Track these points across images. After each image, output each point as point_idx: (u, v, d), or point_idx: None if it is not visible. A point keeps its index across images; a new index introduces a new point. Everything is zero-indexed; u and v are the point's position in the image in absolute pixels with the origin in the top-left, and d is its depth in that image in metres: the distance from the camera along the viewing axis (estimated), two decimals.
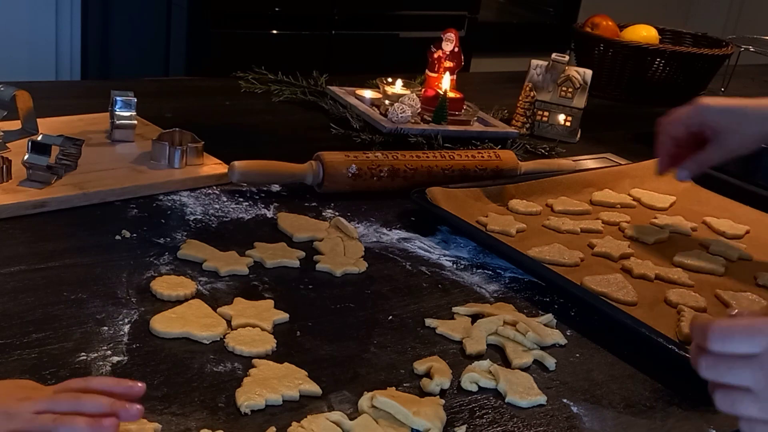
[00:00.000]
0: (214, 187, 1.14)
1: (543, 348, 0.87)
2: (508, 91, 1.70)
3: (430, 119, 1.44)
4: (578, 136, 1.58)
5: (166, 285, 0.87)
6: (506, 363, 0.84)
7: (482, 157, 1.28)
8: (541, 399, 0.78)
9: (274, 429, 0.68)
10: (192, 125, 1.22)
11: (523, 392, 0.78)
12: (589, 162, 1.46)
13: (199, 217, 1.06)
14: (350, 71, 1.76)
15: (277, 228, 1.05)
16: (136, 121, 1.22)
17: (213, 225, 1.04)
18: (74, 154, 1.09)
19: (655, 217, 1.24)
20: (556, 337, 0.89)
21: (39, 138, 1.08)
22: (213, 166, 1.16)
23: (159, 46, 2.53)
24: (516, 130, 1.51)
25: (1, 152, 1.09)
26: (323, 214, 1.11)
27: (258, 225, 1.06)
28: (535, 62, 1.58)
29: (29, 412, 0.62)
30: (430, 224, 1.12)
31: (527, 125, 1.56)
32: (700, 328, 0.64)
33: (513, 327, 0.89)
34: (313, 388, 0.74)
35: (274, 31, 2.55)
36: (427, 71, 1.53)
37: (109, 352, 0.76)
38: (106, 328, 0.79)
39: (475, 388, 0.79)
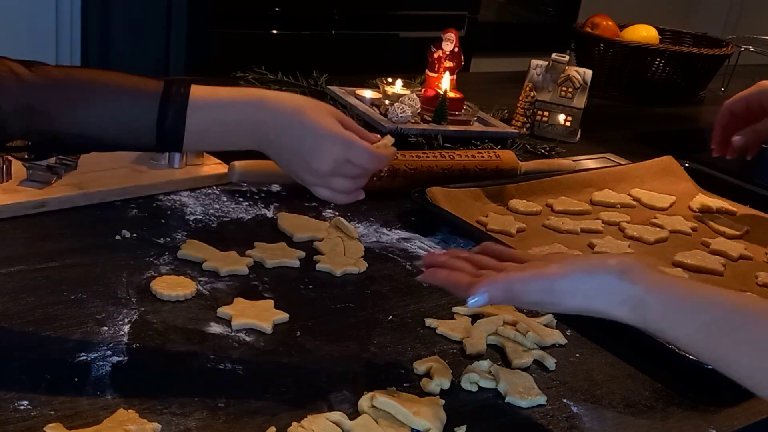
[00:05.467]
0: (214, 187, 1.14)
1: (543, 348, 0.87)
2: (508, 91, 1.69)
3: (430, 119, 1.44)
4: (578, 136, 1.58)
5: (166, 285, 0.87)
6: (506, 363, 0.84)
7: (482, 157, 1.28)
8: (541, 399, 0.78)
9: (274, 429, 0.68)
10: None
11: (523, 392, 0.78)
12: (589, 162, 1.46)
13: (199, 217, 1.06)
14: (350, 71, 1.76)
15: (277, 228, 1.05)
16: None
17: (213, 225, 1.04)
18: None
19: (655, 217, 1.24)
20: (556, 337, 0.89)
21: None
22: (213, 166, 1.16)
23: (159, 46, 2.53)
24: (516, 130, 1.51)
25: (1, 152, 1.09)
26: (323, 214, 1.11)
27: (258, 225, 1.06)
28: (535, 62, 1.58)
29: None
30: (430, 224, 1.12)
31: (527, 125, 1.56)
32: None
33: (513, 327, 0.89)
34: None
35: (274, 31, 2.55)
36: (427, 71, 1.53)
37: (109, 352, 0.76)
38: (106, 328, 0.79)
39: (475, 388, 0.79)
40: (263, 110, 0.80)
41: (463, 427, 0.73)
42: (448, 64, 1.51)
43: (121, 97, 0.77)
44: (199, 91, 0.79)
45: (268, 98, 0.81)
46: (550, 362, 0.84)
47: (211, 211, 1.08)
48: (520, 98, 1.56)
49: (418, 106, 1.44)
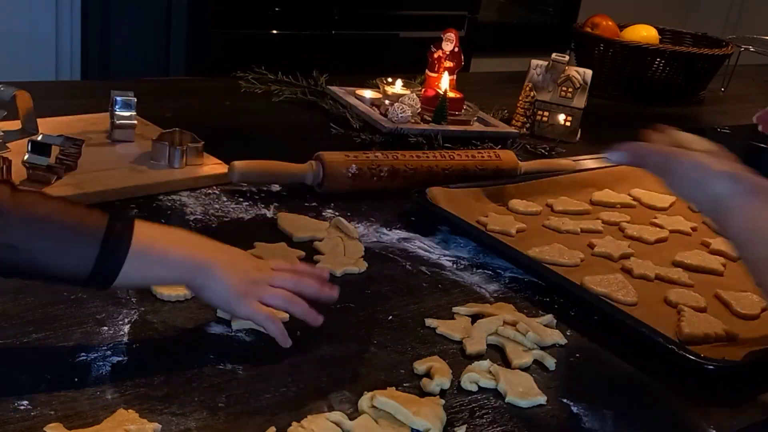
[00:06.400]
0: (214, 187, 1.14)
1: (543, 348, 0.87)
2: (508, 91, 1.69)
3: (430, 119, 1.44)
4: (578, 136, 1.58)
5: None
6: (506, 363, 0.84)
7: (482, 157, 1.28)
8: (541, 399, 0.78)
9: (274, 429, 0.68)
10: (192, 125, 1.22)
11: (523, 392, 0.78)
12: (589, 162, 1.46)
13: (199, 217, 1.06)
14: (350, 71, 1.76)
15: (277, 228, 1.05)
16: (136, 121, 1.22)
17: (213, 225, 1.04)
18: (74, 154, 1.09)
19: (655, 217, 1.24)
20: (556, 337, 0.89)
21: (39, 138, 1.08)
22: (213, 166, 1.16)
23: (159, 46, 2.53)
24: (516, 130, 1.51)
25: (1, 152, 1.09)
26: (323, 214, 1.11)
27: (258, 225, 1.06)
28: (535, 62, 1.58)
29: (266, 284, 0.79)
30: (430, 224, 1.12)
31: (527, 125, 1.56)
32: None
33: (513, 327, 0.89)
34: None
35: (274, 31, 2.55)
36: (427, 71, 1.53)
37: (109, 352, 0.76)
38: (106, 328, 0.79)
39: (475, 388, 0.79)
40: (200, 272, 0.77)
41: (463, 427, 0.73)
42: (448, 64, 1.51)
43: (62, 232, 0.72)
44: (141, 236, 0.74)
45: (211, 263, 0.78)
46: (550, 362, 0.84)
47: (211, 211, 1.08)
48: (520, 98, 1.56)
49: (418, 106, 1.45)
